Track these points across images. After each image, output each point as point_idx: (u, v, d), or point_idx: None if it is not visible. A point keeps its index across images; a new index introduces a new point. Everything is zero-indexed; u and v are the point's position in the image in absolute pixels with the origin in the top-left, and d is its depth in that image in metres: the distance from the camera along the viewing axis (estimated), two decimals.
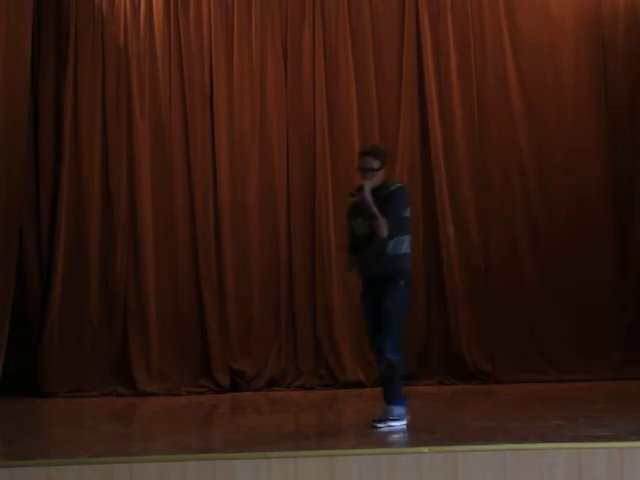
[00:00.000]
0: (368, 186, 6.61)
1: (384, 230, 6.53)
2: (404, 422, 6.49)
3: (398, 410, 6.53)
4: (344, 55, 10.19)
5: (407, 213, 6.74)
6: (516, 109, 10.13)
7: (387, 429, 6.39)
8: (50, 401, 9.38)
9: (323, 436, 6.44)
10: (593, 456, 5.30)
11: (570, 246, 9.87)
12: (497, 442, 5.62)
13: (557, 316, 9.75)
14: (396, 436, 6.18)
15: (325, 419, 6.79)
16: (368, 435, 6.26)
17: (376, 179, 6.67)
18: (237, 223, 10.08)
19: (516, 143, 10.12)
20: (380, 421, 6.48)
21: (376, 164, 6.70)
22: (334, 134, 10.14)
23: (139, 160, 10.10)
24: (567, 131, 10.09)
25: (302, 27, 10.25)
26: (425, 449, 5.39)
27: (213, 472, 5.34)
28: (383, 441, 6.05)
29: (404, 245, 6.66)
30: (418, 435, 6.25)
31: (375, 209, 6.55)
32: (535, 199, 10.06)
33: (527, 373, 9.58)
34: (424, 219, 10.07)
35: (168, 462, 5.41)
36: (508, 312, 9.82)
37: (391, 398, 6.56)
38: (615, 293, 9.81)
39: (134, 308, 9.94)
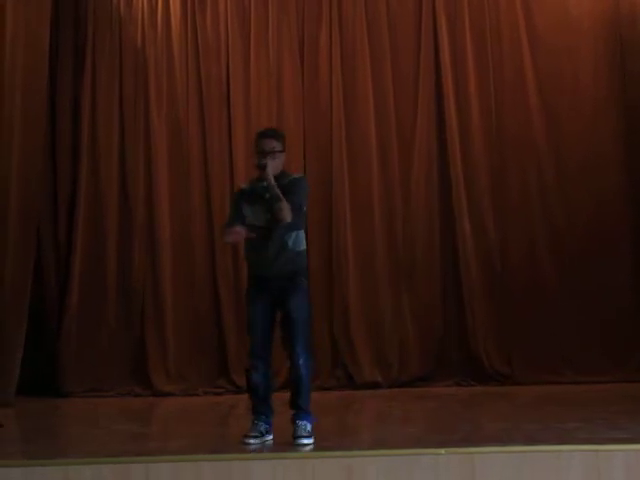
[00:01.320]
0: (270, 166, 6.11)
1: (288, 213, 5.97)
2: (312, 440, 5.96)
3: (311, 422, 6.04)
4: (361, 52, 10.19)
5: (305, 207, 6.33)
6: (533, 109, 10.10)
7: (304, 446, 5.88)
8: (67, 401, 9.41)
9: (340, 437, 6.44)
10: (610, 458, 5.28)
11: (588, 246, 9.83)
12: (514, 444, 5.61)
13: (575, 317, 9.70)
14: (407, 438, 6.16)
15: (342, 420, 6.78)
16: (385, 436, 6.26)
17: (277, 162, 6.21)
18: None
19: (533, 142, 10.09)
20: (299, 437, 5.92)
21: (278, 146, 6.24)
22: (351, 132, 10.14)
23: (156, 159, 10.13)
24: (584, 131, 10.04)
25: (319, 25, 10.26)
26: (442, 450, 5.39)
27: (229, 473, 5.36)
28: (400, 442, 6.04)
29: (303, 241, 6.18)
30: (435, 436, 6.24)
31: (278, 191, 6.03)
32: (553, 198, 10.02)
33: (545, 375, 9.53)
34: (440, 216, 10.06)
35: (184, 462, 5.43)
36: (526, 313, 9.78)
37: (304, 409, 6.06)
38: (633, 294, 9.76)
39: (151, 308, 9.97)
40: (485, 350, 9.76)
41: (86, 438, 6.78)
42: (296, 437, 5.93)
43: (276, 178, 6.15)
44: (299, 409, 6.05)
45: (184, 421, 8.07)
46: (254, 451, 5.77)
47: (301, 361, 6.03)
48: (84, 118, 10.10)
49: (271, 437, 6.08)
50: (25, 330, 8.93)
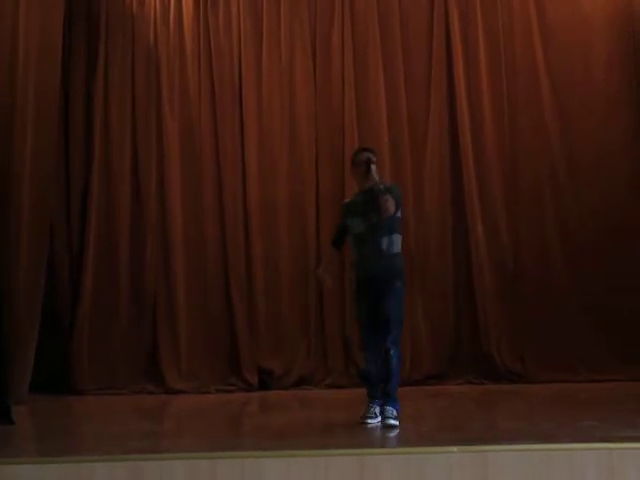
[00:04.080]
0: (374, 170, 6.68)
1: (392, 205, 6.53)
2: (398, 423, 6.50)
3: (397, 409, 6.57)
4: (373, 53, 10.20)
5: (400, 213, 6.75)
6: (546, 107, 10.09)
7: (392, 427, 6.41)
8: (81, 399, 9.43)
9: (353, 435, 6.44)
10: (625, 457, 5.25)
11: (601, 246, 9.80)
12: (527, 442, 5.59)
13: (587, 316, 9.68)
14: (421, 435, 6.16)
15: (354, 418, 6.77)
16: (397, 434, 6.25)
17: (374, 169, 6.72)
18: (266, 222, 10.10)
19: (546, 141, 10.07)
20: (387, 418, 6.48)
21: (374, 159, 6.79)
22: (363, 133, 10.13)
23: (169, 159, 10.15)
24: (598, 129, 10.02)
25: (331, 26, 10.26)
26: (454, 449, 5.38)
27: (242, 470, 5.35)
28: (413, 440, 6.03)
29: (398, 244, 6.68)
30: (447, 434, 6.23)
31: (382, 187, 6.58)
32: (565, 198, 10.01)
33: (557, 373, 9.52)
34: (453, 218, 10.06)
35: (197, 460, 5.43)
36: (538, 312, 9.76)
37: (392, 395, 6.59)
38: None
39: (164, 306, 9.99)
40: (497, 348, 9.74)
41: (99, 436, 6.79)
42: (386, 417, 6.46)
43: (369, 188, 6.70)
44: (387, 395, 6.57)
45: (197, 419, 8.07)
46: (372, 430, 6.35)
47: (392, 352, 6.52)
48: (97, 116, 10.13)
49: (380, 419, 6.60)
50: (38, 328, 8.93)
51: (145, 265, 10.01)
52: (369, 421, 6.58)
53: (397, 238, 6.70)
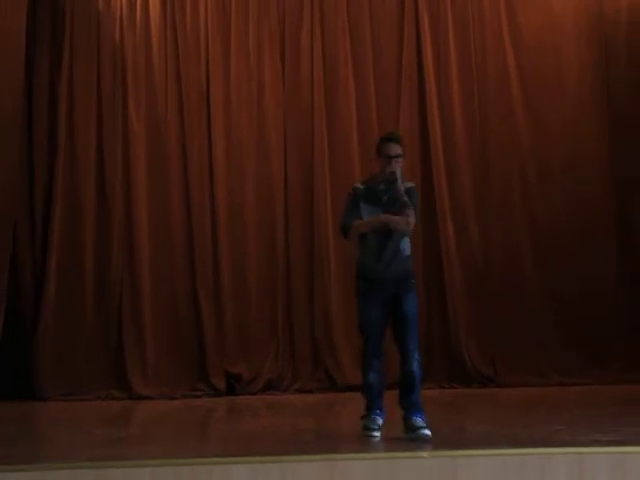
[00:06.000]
0: (399, 172, 6.27)
1: (412, 221, 6.25)
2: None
3: (423, 418, 6.19)
4: (343, 55, 10.23)
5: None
6: (517, 108, 10.18)
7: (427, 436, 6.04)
8: (44, 405, 9.36)
9: (322, 440, 6.44)
10: (596, 461, 5.28)
11: (572, 247, 9.90)
12: (498, 447, 5.62)
13: (559, 318, 9.77)
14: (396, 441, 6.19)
15: (324, 423, 6.78)
16: (367, 440, 6.26)
17: (399, 167, 6.31)
18: (234, 225, 10.09)
19: (517, 142, 10.16)
20: (421, 428, 6.09)
21: (401, 151, 6.39)
22: (333, 135, 10.18)
23: (135, 158, 10.11)
24: (568, 130, 10.13)
25: (300, 25, 10.28)
26: (424, 454, 5.39)
27: (209, 477, 5.33)
28: (382, 446, 6.05)
29: (410, 247, 6.47)
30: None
31: (407, 199, 6.21)
32: (535, 198, 10.11)
33: (529, 377, 9.61)
34: (423, 218, 10.04)
35: (163, 467, 5.41)
36: (509, 314, 9.83)
37: (418, 405, 6.23)
38: (617, 295, 9.81)
39: (129, 310, 9.94)
40: (468, 352, 9.79)
41: (63, 442, 6.75)
42: (419, 427, 6.07)
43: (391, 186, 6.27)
44: (413, 405, 6.21)
45: (163, 425, 8.05)
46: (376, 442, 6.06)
47: (415, 358, 6.23)
48: (61, 115, 10.05)
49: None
50: (1, 332, 8.86)
51: (111, 267, 9.95)
52: (375, 434, 6.23)
53: (409, 240, 6.44)
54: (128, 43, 10.23)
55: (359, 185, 6.50)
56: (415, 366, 6.22)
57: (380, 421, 6.34)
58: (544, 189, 10.09)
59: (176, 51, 10.24)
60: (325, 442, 6.34)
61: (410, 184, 6.46)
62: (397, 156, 6.30)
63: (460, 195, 10.10)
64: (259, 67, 10.25)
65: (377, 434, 6.22)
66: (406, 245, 6.40)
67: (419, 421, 6.11)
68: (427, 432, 6.03)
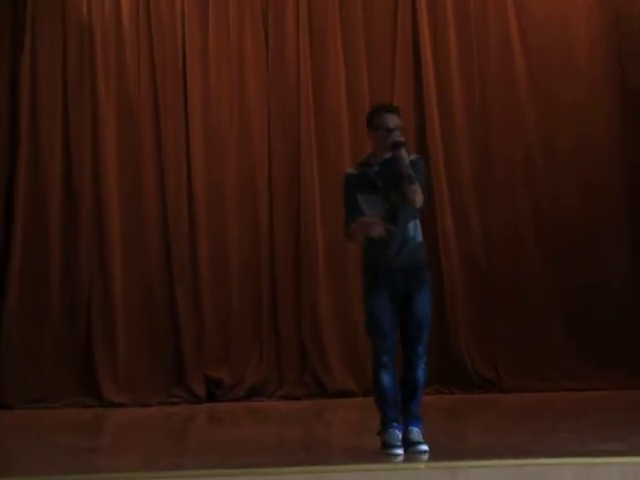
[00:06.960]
0: (403, 144, 6.01)
1: (420, 197, 5.91)
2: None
3: (422, 429, 6.08)
4: (332, 34, 10.18)
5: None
6: (521, 85, 10.14)
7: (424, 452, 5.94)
8: (9, 413, 9.37)
9: (310, 451, 6.48)
10: (605, 473, 5.33)
11: (579, 240, 9.88)
12: (499, 457, 5.66)
13: (566, 318, 9.79)
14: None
15: (312, 432, 6.82)
16: (359, 449, 6.29)
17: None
18: (214, 214, 10.09)
19: (521, 126, 10.14)
20: (418, 443, 5.96)
21: (400, 123, 6.17)
22: (320, 117, 10.16)
23: (104, 145, 10.08)
24: (577, 110, 10.10)
25: (285, 6, 10.23)
26: (421, 465, 5.44)
27: None
28: (376, 456, 6.07)
29: (421, 232, 6.13)
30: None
31: (412, 172, 5.93)
32: (541, 187, 10.07)
33: (533, 381, 9.62)
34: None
35: None
36: (512, 314, 9.83)
37: (418, 414, 6.10)
38: (627, 293, 9.82)
39: (99, 308, 9.91)
40: (469, 355, 9.82)
41: (28, 454, 6.78)
42: (415, 443, 5.94)
43: (386, 161, 6.08)
44: (411, 414, 6.07)
45: (136, 434, 8.08)
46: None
47: (421, 364, 6.14)
48: (23, 100, 10.02)
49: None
50: None
51: (79, 262, 9.94)
52: (397, 451, 5.92)
53: (419, 224, 6.14)
54: (97, 21, 10.14)
55: (352, 171, 6.33)
56: (421, 373, 6.13)
57: (400, 435, 6.02)
58: (551, 176, 10.06)
59: (149, 30, 10.16)
60: (314, 453, 6.37)
61: (415, 156, 6.25)
62: (396, 128, 6.09)
63: (460, 183, 10.09)
64: (240, 44, 10.20)
65: (400, 451, 5.94)
66: (417, 231, 6.11)
67: (416, 434, 5.98)
68: (424, 447, 5.92)
